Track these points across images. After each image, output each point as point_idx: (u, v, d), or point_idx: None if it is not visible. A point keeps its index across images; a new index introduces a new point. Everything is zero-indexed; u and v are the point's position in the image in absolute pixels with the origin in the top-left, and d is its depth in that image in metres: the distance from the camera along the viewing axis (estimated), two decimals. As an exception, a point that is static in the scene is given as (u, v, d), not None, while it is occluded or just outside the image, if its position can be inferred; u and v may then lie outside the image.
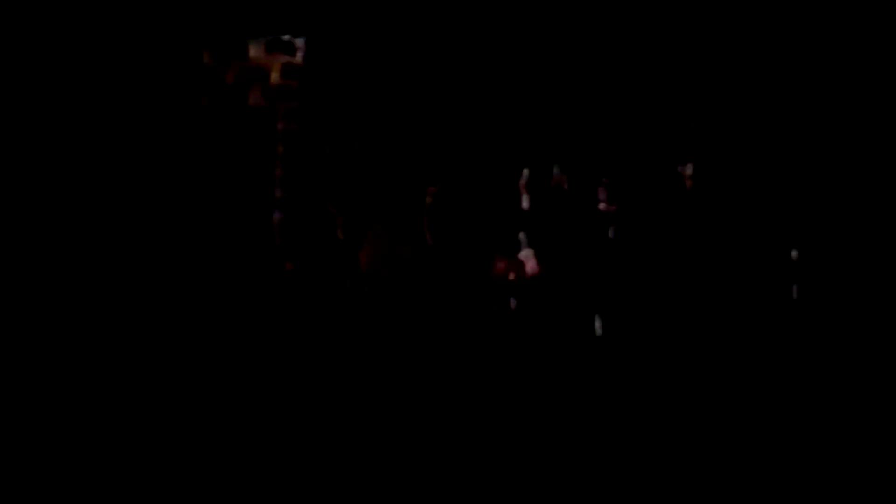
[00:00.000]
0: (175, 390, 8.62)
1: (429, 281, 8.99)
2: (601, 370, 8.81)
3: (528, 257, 9.09)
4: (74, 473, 7.89)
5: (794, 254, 8.79)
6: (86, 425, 8.25)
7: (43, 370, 8.54)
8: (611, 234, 9.01)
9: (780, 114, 8.96)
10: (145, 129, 8.98)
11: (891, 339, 8.63)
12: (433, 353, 8.86)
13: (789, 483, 7.84)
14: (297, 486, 8.05)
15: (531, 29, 9.21)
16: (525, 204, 9.13)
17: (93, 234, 8.89)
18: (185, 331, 8.87)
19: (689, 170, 9.00)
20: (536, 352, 8.88)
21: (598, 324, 8.88)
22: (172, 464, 8.07)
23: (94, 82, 8.90)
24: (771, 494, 7.76)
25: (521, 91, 9.21)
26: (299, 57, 9.18)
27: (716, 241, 8.91)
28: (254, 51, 9.12)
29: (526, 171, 9.09)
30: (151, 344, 8.80)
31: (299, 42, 9.17)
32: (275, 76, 9.15)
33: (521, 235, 9.07)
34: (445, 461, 8.24)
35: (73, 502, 7.68)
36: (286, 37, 9.15)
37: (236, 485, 8.00)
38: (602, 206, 9.03)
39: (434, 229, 9.00)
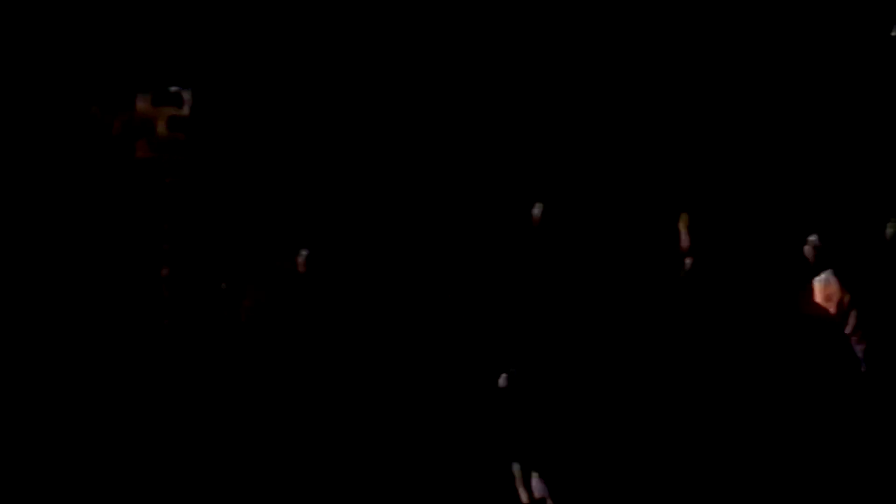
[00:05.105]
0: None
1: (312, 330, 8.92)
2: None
3: None
4: None
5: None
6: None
7: None
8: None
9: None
10: (31, 179, 9.02)
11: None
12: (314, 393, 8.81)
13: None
14: None
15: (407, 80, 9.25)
16: None
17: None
18: (71, 385, 8.88)
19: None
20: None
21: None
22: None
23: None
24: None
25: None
26: (186, 109, 9.14)
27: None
28: (141, 102, 9.11)
29: None
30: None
31: (186, 94, 9.13)
32: (161, 128, 9.12)
33: None
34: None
35: None
36: (174, 88, 9.12)
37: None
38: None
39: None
